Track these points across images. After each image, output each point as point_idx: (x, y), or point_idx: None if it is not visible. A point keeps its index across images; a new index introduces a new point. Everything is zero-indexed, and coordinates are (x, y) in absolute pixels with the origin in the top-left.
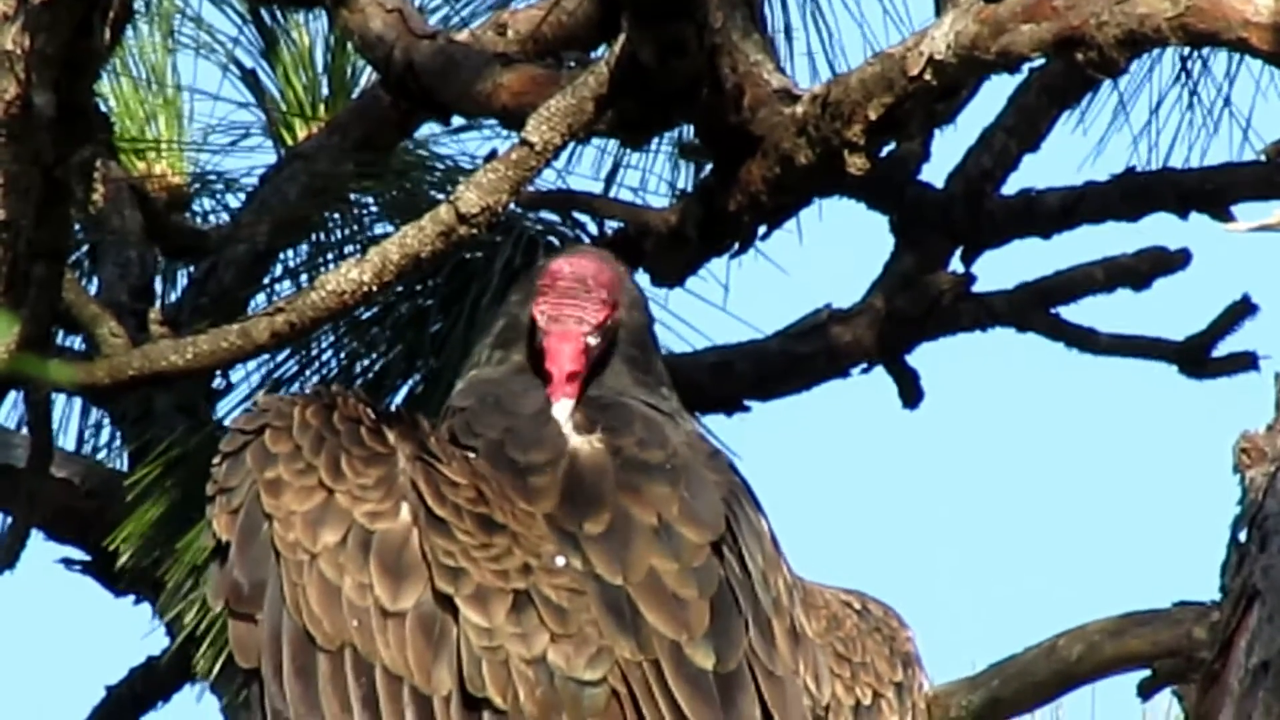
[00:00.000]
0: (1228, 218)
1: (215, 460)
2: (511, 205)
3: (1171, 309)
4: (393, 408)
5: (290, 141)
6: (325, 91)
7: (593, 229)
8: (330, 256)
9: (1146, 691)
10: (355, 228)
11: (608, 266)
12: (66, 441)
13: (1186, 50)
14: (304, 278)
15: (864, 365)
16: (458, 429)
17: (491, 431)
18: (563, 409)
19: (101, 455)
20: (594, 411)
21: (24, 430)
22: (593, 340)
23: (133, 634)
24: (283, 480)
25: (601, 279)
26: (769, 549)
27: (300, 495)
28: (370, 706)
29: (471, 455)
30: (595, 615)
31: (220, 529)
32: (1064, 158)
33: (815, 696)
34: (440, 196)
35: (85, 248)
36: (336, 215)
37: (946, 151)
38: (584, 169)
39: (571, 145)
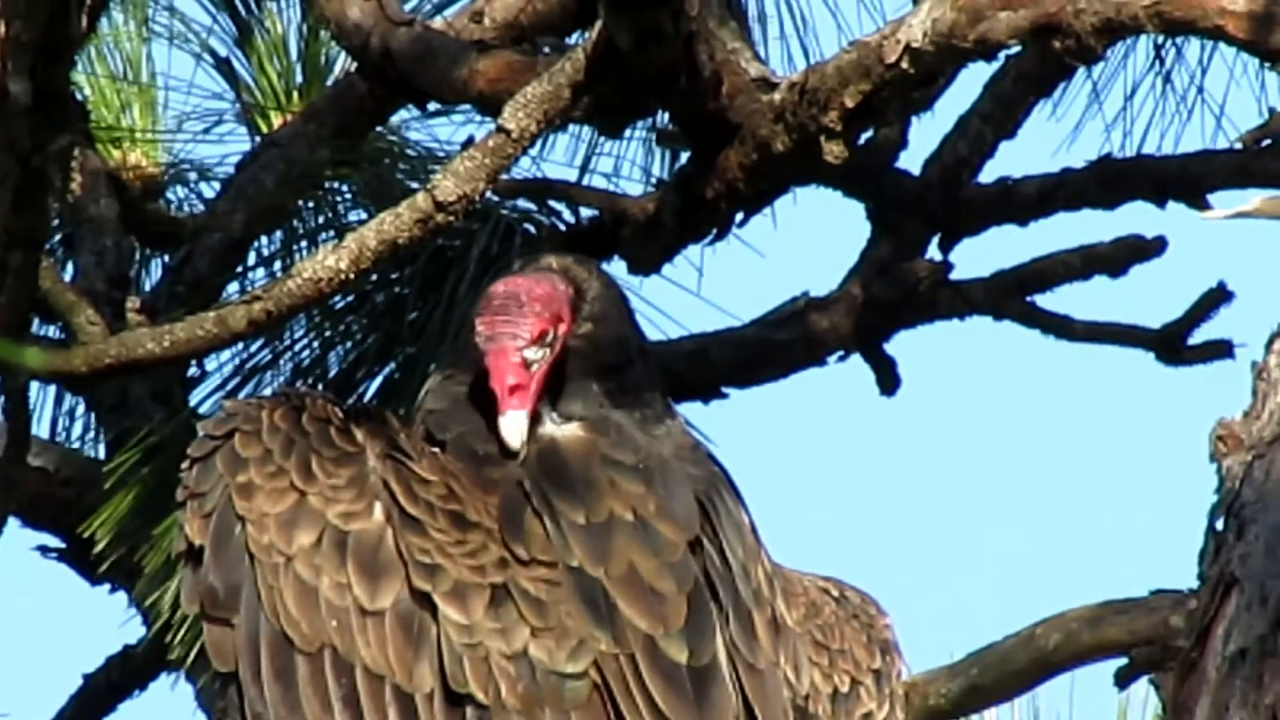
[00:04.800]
0: (1204, 206)
1: (184, 465)
2: (488, 193)
3: (1148, 297)
4: (362, 404)
5: (265, 129)
6: (300, 79)
7: (569, 217)
8: (304, 244)
9: (1124, 680)
10: (329, 215)
11: (545, 283)
12: (40, 429)
13: (1160, 38)
14: (279, 265)
15: (841, 353)
16: (431, 427)
17: (462, 426)
18: (512, 421)
19: (75, 443)
20: (566, 407)
21: (0, 418)
22: (531, 354)
23: (109, 622)
24: (254, 484)
25: (536, 294)
26: (749, 540)
27: (272, 498)
28: (352, 706)
29: (437, 451)
30: (572, 608)
31: (193, 533)
32: (1039, 145)
33: (795, 687)
34: (414, 184)
35: (60, 235)
36: (310, 203)
37: (923, 139)
38: (558, 155)
39: (546, 132)
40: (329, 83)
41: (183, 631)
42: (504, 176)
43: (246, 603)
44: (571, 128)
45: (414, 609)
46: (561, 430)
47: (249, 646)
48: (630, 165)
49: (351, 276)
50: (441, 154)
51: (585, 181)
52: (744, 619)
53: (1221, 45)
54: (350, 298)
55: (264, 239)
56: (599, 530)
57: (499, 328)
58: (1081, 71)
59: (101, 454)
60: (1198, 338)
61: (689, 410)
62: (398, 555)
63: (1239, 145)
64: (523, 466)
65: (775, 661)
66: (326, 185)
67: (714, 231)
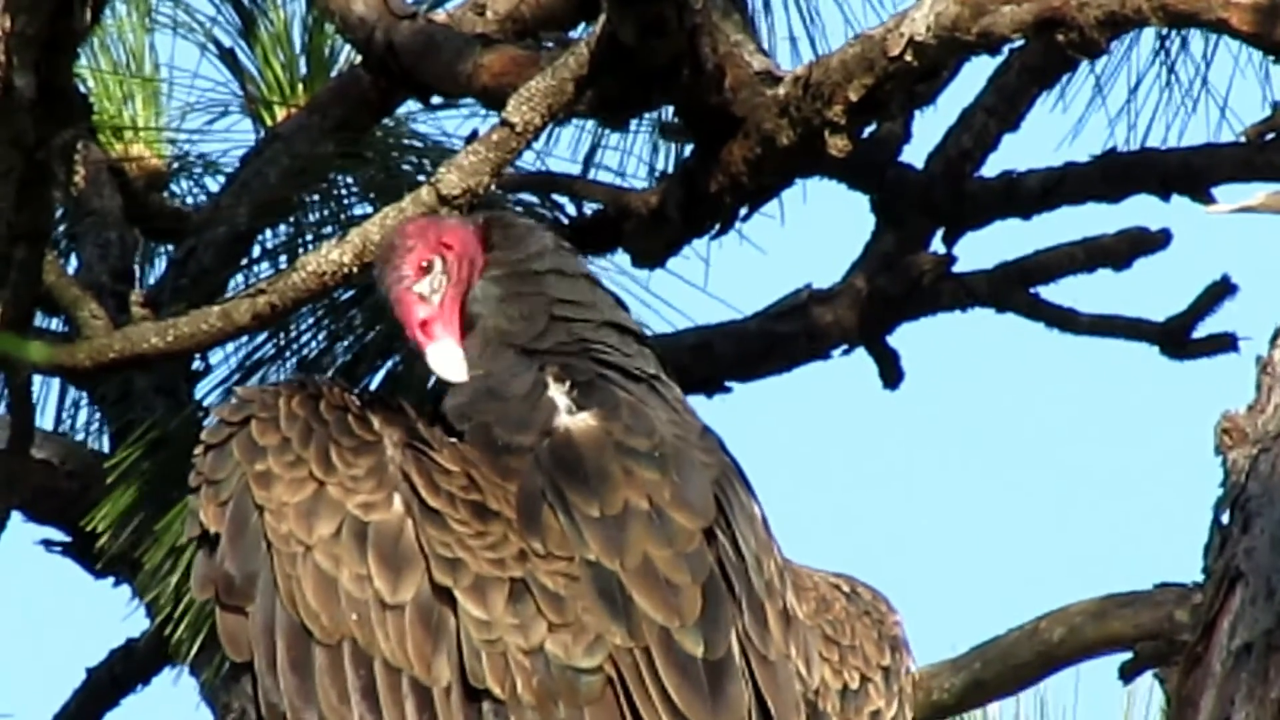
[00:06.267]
0: (1208, 199)
1: (198, 451)
2: (492, 186)
3: (1152, 290)
4: (377, 392)
5: (269, 121)
6: (304, 71)
7: (572, 210)
8: (309, 237)
9: (1128, 674)
10: (334, 208)
11: (416, 221)
12: (44, 422)
13: (1165, 29)
14: (283, 259)
15: (845, 346)
16: (452, 417)
17: (483, 416)
18: (437, 352)
19: (79, 436)
20: (581, 397)
21: (3, 411)
22: (423, 286)
23: (113, 615)
24: (273, 473)
25: (405, 232)
26: (761, 532)
27: (291, 487)
28: (369, 698)
29: (456, 441)
30: (588, 602)
31: (209, 520)
32: (1042, 138)
33: (806, 680)
34: (418, 177)
35: (63, 228)
36: (315, 196)
37: (927, 132)
38: (562, 150)
39: (550, 126)
40: (333, 75)
41: (184, 625)
42: (508, 170)
43: (263, 591)
44: (575, 122)
45: (434, 603)
46: (574, 420)
47: (264, 636)
48: (635, 160)
49: (355, 270)
50: (446, 147)
51: (589, 176)
52: (756, 610)
53: (1226, 38)
54: (353, 291)
55: (268, 232)
56: (614, 522)
57: (386, 280)
58: (1085, 64)
59: (105, 447)
60: (1202, 331)
61: (692, 403)
62: (418, 548)
63: (1243, 139)
64: (537, 459)
65: (787, 654)
66: (331, 178)
67: (717, 225)
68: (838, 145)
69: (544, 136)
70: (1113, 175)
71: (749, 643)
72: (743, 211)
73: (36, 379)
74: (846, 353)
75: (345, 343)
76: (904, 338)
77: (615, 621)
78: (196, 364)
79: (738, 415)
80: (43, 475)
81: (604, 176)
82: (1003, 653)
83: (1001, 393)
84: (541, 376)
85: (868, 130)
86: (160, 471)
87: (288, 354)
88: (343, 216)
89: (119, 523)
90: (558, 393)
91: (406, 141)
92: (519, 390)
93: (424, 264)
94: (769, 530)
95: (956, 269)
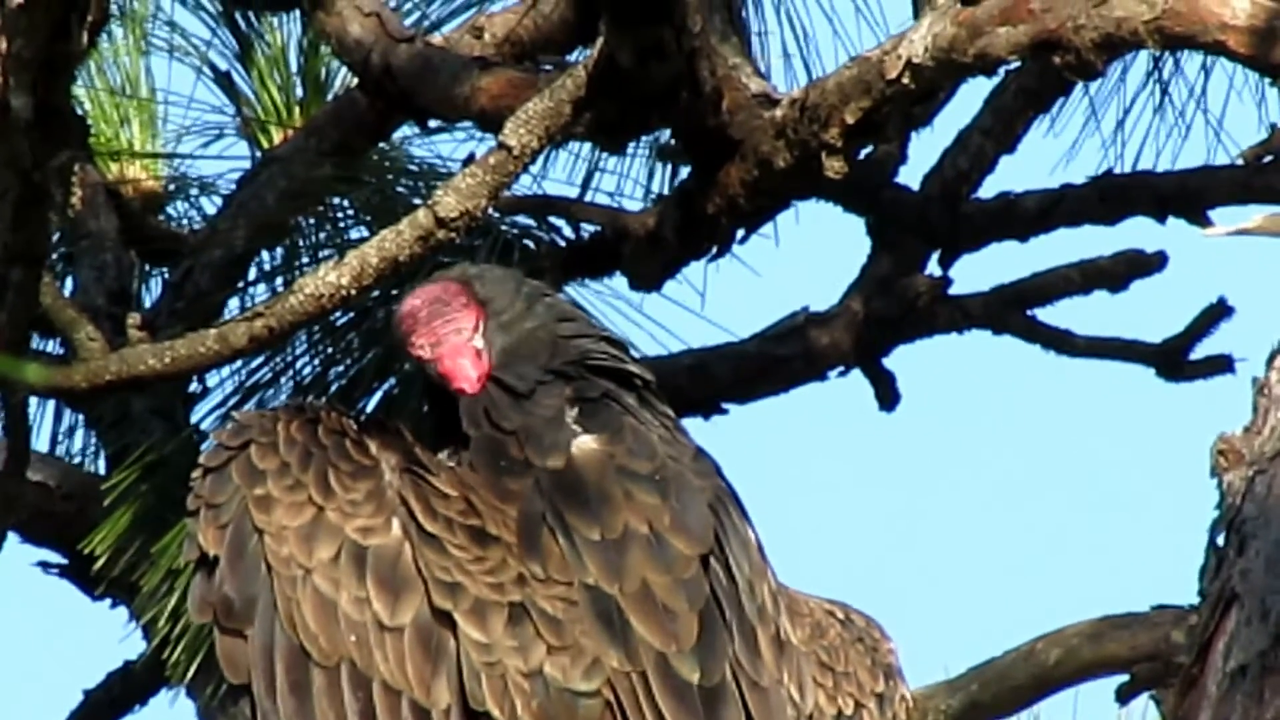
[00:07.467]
0: (1205, 222)
1: (196, 474)
2: (489, 209)
3: (1148, 312)
4: (374, 416)
5: (266, 144)
6: (300, 94)
7: (569, 233)
8: (305, 260)
9: (1125, 696)
10: (330, 230)
11: (450, 282)
12: (40, 444)
13: (1159, 51)
14: (280, 281)
15: (841, 368)
16: (465, 414)
17: (506, 421)
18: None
19: (75, 458)
20: (584, 418)
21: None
22: (479, 343)
23: (110, 637)
24: (272, 497)
25: (452, 290)
26: (755, 557)
27: (291, 511)
28: None
29: (454, 466)
30: (587, 626)
31: (208, 543)
32: (1039, 160)
33: (799, 706)
34: (415, 200)
35: (59, 250)
36: (311, 219)
37: (923, 154)
38: (559, 173)
39: (547, 149)
40: (330, 98)
41: (181, 647)
42: (505, 193)
43: (262, 614)
44: (573, 145)
45: (433, 625)
46: (578, 443)
47: (263, 658)
48: (633, 184)
49: (353, 293)
50: (443, 170)
51: (587, 198)
52: (748, 636)
53: (1221, 59)
54: (351, 314)
55: (265, 255)
56: (614, 546)
57: (439, 331)
58: (1080, 86)
59: (102, 469)
60: (1198, 353)
61: (689, 425)
62: (416, 571)
63: (1241, 161)
64: (538, 482)
65: (779, 679)
66: (328, 201)
67: (714, 248)
68: (834, 167)
69: (541, 160)
70: (1109, 197)
71: (740, 668)
72: (739, 234)
73: (33, 401)
74: (843, 374)
75: (342, 366)
76: (900, 360)
77: (613, 645)
78: (193, 387)
79: (734, 437)
80: (39, 497)
81: (602, 199)
82: (999, 674)
83: (998, 415)
84: (563, 401)
85: (864, 152)
86: (157, 494)
87: (285, 377)
88: (340, 239)
89: (117, 546)
90: (570, 418)
91: (403, 164)
92: (545, 410)
93: (479, 321)
94: (763, 555)
95: (953, 291)
